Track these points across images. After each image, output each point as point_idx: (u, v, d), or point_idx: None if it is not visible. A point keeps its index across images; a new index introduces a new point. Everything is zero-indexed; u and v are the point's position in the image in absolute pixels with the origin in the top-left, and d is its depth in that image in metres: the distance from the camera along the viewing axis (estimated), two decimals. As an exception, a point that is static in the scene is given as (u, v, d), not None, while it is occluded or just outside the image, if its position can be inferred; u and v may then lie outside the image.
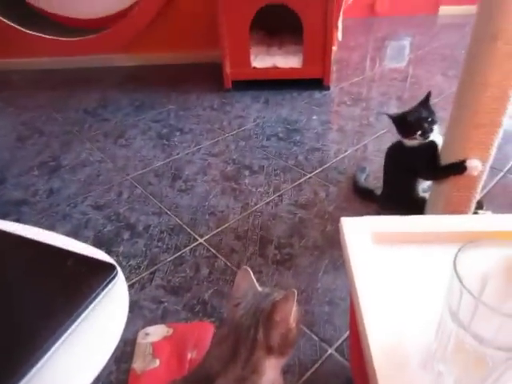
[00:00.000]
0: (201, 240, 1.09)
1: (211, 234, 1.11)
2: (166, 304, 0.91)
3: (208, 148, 1.56)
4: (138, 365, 0.77)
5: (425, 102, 1.02)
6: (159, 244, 1.09)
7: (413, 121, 0.99)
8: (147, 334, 0.82)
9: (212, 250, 1.06)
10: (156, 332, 0.83)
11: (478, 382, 0.42)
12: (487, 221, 0.63)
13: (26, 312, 0.33)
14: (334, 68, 2.05)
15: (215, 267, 1.00)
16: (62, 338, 0.31)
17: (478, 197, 0.97)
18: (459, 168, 0.90)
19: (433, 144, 1.00)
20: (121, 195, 1.30)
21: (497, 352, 0.38)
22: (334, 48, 2.17)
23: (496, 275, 0.41)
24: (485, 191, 1.21)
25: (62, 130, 1.77)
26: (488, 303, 0.34)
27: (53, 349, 0.30)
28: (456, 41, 2.65)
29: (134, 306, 0.90)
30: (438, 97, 1.86)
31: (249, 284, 0.55)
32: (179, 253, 1.05)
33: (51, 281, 0.35)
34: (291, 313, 0.50)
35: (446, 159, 0.94)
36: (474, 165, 0.88)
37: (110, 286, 0.35)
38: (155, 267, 1.01)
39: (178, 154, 1.53)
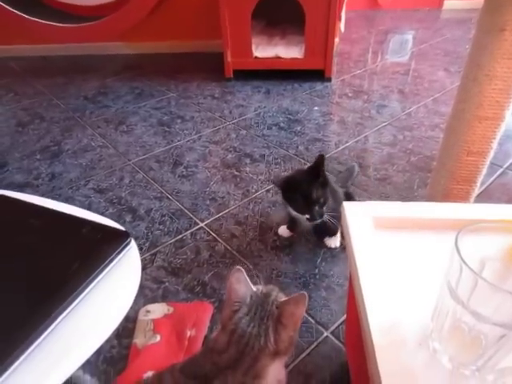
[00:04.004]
0: (202, 224, 1.11)
1: (212, 218, 1.13)
2: (166, 284, 0.92)
3: (209, 136, 1.56)
4: (139, 340, 0.79)
5: (316, 171, 0.84)
6: (160, 227, 1.10)
7: (300, 201, 0.86)
8: (148, 312, 0.84)
9: (212, 234, 1.07)
10: (157, 310, 0.84)
11: (472, 360, 0.43)
12: (487, 210, 0.65)
13: (45, 275, 0.34)
14: (335, 60, 2.05)
15: (215, 251, 1.01)
16: (80, 297, 0.32)
17: (477, 191, 0.98)
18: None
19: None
20: (122, 179, 1.31)
21: (494, 328, 0.39)
22: (337, 40, 2.17)
23: (494, 258, 0.43)
24: (484, 186, 1.23)
25: (62, 116, 1.76)
26: (487, 279, 0.36)
27: (72, 306, 0.31)
28: (459, 36, 2.65)
29: (135, 287, 0.92)
30: (440, 92, 1.86)
31: (244, 285, 0.52)
32: (180, 236, 1.07)
33: (67, 246, 0.36)
34: (302, 316, 0.49)
35: (447, 153, 0.95)
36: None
37: (124, 251, 0.36)
38: (156, 249, 1.02)
39: (178, 140, 1.53)
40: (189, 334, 0.79)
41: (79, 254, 0.35)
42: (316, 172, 0.85)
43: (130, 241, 0.38)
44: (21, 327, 0.29)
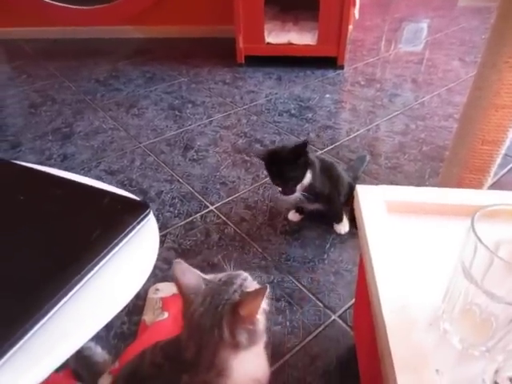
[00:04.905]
0: (212, 207, 1.11)
1: (222, 202, 1.13)
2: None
3: (220, 121, 1.56)
4: (147, 317, 0.81)
5: (298, 152, 0.87)
6: (171, 209, 1.11)
7: (277, 174, 0.91)
8: (158, 290, 0.86)
9: (222, 217, 1.08)
10: (166, 288, 0.86)
11: (483, 341, 0.44)
12: (502, 196, 0.64)
13: (65, 243, 0.35)
14: (348, 47, 2.02)
15: (225, 233, 1.02)
16: (99, 265, 0.33)
17: (490, 181, 0.97)
18: None
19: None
20: (133, 162, 1.32)
21: (506, 309, 0.39)
22: (350, 27, 2.13)
23: (509, 241, 0.43)
24: (496, 177, 1.21)
25: (74, 99, 1.77)
26: (503, 258, 0.36)
27: (91, 273, 0.32)
28: (476, 25, 2.59)
29: (145, 267, 0.93)
30: (455, 81, 1.83)
31: (192, 275, 0.49)
32: (190, 218, 1.08)
33: (88, 216, 0.37)
34: (258, 309, 0.44)
35: (461, 141, 0.94)
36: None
37: (143, 222, 0.37)
38: (167, 230, 1.04)
39: (190, 125, 1.53)
40: None
41: (100, 223, 0.36)
42: (298, 153, 0.87)
43: (150, 212, 0.38)
44: (39, 294, 0.30)
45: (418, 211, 0.61)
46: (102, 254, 0.33)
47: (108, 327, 0.82)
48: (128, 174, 1.25)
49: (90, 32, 2.44)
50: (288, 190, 0.91)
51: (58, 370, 0.70)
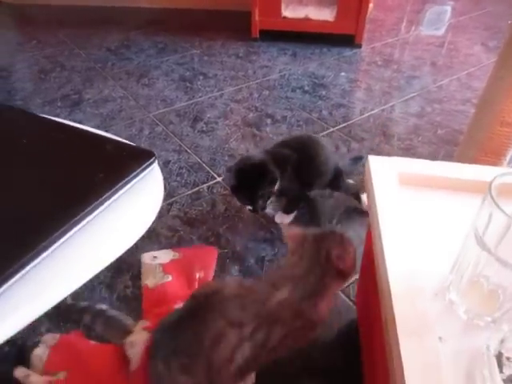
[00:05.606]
0: (219, 179, 1.10)
1: (229, 174, 1.12)
2: (181, 233, 0.94)
3: (231, 94, 1.53)
4: (149, 281, 0.81)
5: (263, 172, 0.84)
6: (178, 179, 1.10)
7: (245, 195, 0.87)
8: (155, 257, 0.86)
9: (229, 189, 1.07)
10: (163, 255, 0.86)
11: (488, 313, 0.43)
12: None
13: (69, 183, 0.34)
14: (367, 26, 1.95)
15: (231, 205, 1.02)
16: (103, 207, 0.32)
17: (505, 165, 0.94)
18: None
19: None
20: (142, 131, 1.31)
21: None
22: (371, 5, 2.06)
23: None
24: None
25: (84, 66, 1.75)
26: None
27: (94, 214, 0.32)
28: (502, 10, 2.48)
29: (151, 233, 0.93)
30: (476, 66, 1.77)
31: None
32: (197, 188, 1.07)
33: (92, 160, 0.36)
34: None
35: (479, 122, 0.91)
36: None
37: (148, 169, 0.36)
38: (173, 199, 1.03)
39: (200, 97, 1.51)
40: (198, 275, 0.81)
41: (103, 167, 0.35)
42: (263, 172, 0.84)
43: (155, 160, 0.37)
44: (38, 232, 0.30)
45: (431, 185, 0.59)
46: (105, 197, 0.33)
47: (111, 289, 0.82)
48: (136, 143, 1.24)
49: (102, 0, 2.40)
50: (259, 206, 0.88)
51: (67, 332, 0.71)
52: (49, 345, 0.68)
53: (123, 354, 0.58)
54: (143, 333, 0.59)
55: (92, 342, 0.69)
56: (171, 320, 0.55)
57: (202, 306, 0.51)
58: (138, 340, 0.57)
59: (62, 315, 0.75)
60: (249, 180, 0.85)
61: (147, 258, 0.87)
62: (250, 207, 0.89)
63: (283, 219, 0.97)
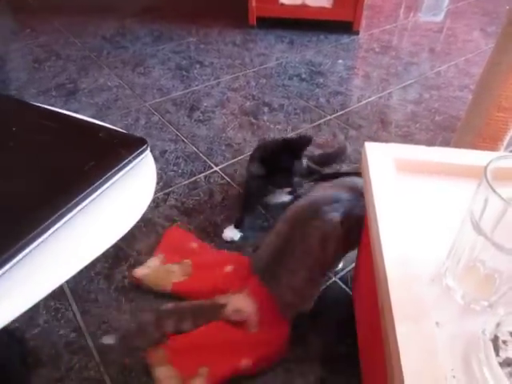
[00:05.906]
0: (216, 168, 1.10)
1: (227, 163, 1.12)
2: (178, 223, 0.93)
3: (228, 82, 1.52)
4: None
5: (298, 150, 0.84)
6: (174, 168, 1.10)
7: (277, 173, 0.84)
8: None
9: (227, 178, 1.07)
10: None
11: (485, 297, 0.43)
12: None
13: (59, 171, 0.33)
14: (365, 13, 1.92)
15: (229, 194, 1.01)
16: (93, 195, 0.32)
17: (502, 151, 0.94)
18: None
19: None
20: (138, 120, 1.30)
21: (513, 263, 0.38)
22: (369, -10, 2.02)
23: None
24: (510, 149, 1.17)
25: (79, 55, 1.73)
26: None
27: (85, 202, 0.31)
28: (501, -5, 2.45)
29: (148, 223, 0.93)
30: (474, 52, 1.75)
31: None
32: (194, 178, 1.07)
33: (83, 147, 0.36)
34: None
35: (476, 108, 0.90)
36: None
37: (140, 157, 0.35)
38: (170, 189, 1.03)
39: (196, 85, 1.49)
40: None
41: (95, 155, 0.35)
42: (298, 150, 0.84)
43: (147, 148, 0.37)
44: (27, 220, 0.29)
45: (427, 170, 0.59)
46: (96, 185, 0.32)
47: (109, 281, 0.82)
48: (132, 133, 1.23)
49: (96, -13, 2.35)
50: (296, 184, 0.89)
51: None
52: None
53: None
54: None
55: None
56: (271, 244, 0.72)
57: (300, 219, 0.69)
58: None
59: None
60: (280, 159, 0.83)
61: None
62: (288, 189, 0.88)
63: (233, 235, 0.90)
